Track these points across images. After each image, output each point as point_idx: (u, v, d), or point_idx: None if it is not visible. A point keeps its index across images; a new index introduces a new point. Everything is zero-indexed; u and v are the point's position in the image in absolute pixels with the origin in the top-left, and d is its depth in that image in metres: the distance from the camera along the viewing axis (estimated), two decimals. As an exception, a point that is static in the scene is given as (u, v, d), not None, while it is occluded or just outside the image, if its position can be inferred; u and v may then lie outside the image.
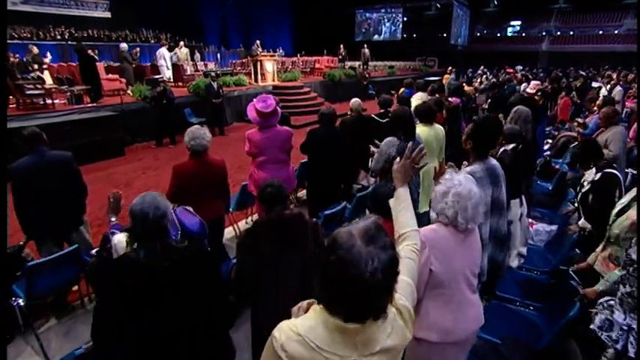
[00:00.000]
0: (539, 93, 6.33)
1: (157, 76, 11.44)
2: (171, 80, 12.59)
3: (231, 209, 4.28)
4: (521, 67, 22.45)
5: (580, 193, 3.06)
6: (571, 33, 34.87)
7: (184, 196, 2.93)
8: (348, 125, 4.72)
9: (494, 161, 2.33)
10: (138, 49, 13.94)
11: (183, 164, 3.01)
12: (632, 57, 29.79)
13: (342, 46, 18.85)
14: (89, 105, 8.66)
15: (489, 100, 7.81)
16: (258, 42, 15.70)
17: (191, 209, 2.19)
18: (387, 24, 34.92)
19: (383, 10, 34.92)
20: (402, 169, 1.63)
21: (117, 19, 22.61)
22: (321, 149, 4.12)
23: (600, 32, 33.99)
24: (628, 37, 32.05)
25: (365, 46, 18.95)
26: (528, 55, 32.61)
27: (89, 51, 9.74)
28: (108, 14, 22.70)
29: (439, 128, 4.02)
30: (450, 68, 12.80)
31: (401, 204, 1.56)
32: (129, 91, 10.10)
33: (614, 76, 13.53)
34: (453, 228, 1.78)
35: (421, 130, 3.69)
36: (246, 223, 4.92)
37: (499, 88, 8.06)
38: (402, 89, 8.97)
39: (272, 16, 30.24)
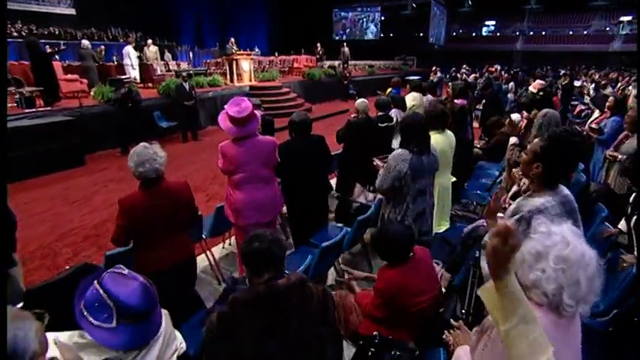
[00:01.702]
0: (542, 93, 5.85)
1: (123, 77, 10.50)
2: (137, 80, 11.65)
3: (204, 236, 3.55)
4: (500, 67, 22.44)
5: (635, 217, 2.53)
6: (543, 33, 35.69)
7: (137, 239, 2.22)
8: (355, 128, 4.06)
9: (566, 190, 1.73)
10: (103, 47, 12.90)
11: (132, 197, 2.25)
12: (600, 56, 30.72)
13: (319, 45, 18.22)
14: (42, 109, 7.68)
15: (484, 101, 7.33)
16: (232, 40, 14.88)
17: (124, 270, 1.42)
18: (365, 23, 34.59)
19: (359, 9, 34.63)
20: (501, 256, 0.92)
21: (82, 16, 21.24)
22: (296, 164, 3.32)
23: (570, 33, 34.90)
24: (596, 37, 33.13)
25: (345, 45, 18.38)
26: (503, 55, 33.06)
27: (47, 47, 8.71)
28: (72, 11, 21.30)
29: (451, 135, 3.43)
30: (434, 68, 12.38)
31: (514, 316, 0.89)
32: (92, 93, 9.15)
33: (596, 75, 13.44)
34: (551, 312, 1.12)
35: (434, 138, 3.09)
36: (223, 247, 4.21)
37: (492, 88, 7.59)
38: (390, 89, 8.42)
39: (247, 15, 29.34)
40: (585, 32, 34.34)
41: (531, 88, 6.43)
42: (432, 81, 7.47)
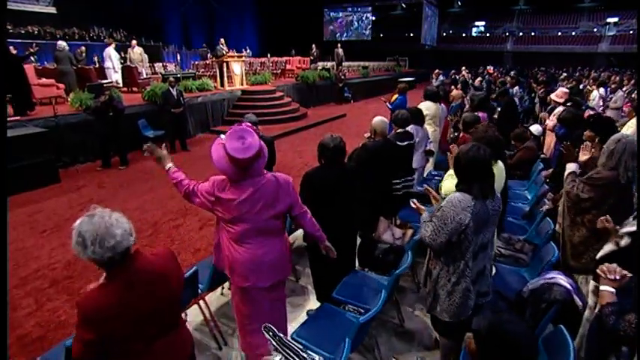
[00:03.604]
0: (570, 103, 5.26)
1: (104, 81, 9.69)
2: (120, 84, 10.85)
3: (200, 290, 2.85)
4: (494, 67, 22.10)
5: None
6: (532, 34, 35.81)
7: (111, 350, 1.48)
8: (372, 153, 3.38)
9: None
10: (83, 48, 11.98)
11: (95, 298, 1.42)
12: (589, 57, 30.77)
13: (314, 46, 17.53)
14: (10, 118, 6.82)
15: (499, 109, 6.74)
16: (222, 40, 14.12)
17: None
18: (356, 23, 34.12)
19: (350, 9, 34.17)
20: None
21: (63, 14, 20.23)
22: (326, 198, 2.77)
23: (559, 34, 35.03)
24: (584, 38, 33.33)
25: (339, 45, 17.76)
26: (494, 55, 33.07)
27: (12, 48, 7.86)
28: (52, 9, 20.30)
29: (502, 167, 2.80)
30: (436, 71, 11.79)
31: None
32: (69, 100, 8.33)
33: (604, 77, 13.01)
34: None
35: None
36: (222, 294, 3.52)
37: (509, 95, 6.98)
38: (395, 95, 7.80)
39: (236, 14, 28.55)
40: (574, 33, 34.54)
41: (555, 97, 5.86)
42: (443, 88, 6.87)
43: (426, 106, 5.42)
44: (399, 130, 3.99)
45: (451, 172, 2.88)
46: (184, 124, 9.13)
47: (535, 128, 5.89)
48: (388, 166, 3.58)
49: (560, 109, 5.87)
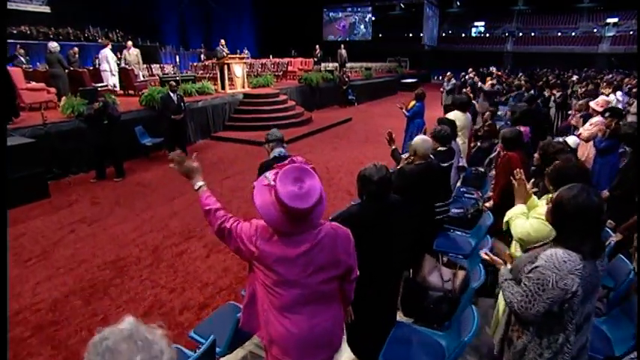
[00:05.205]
0: (608, 114, 4.77)
1: (99, 85, 9.13)
2: (117, 88, 10.26)
3: (217, 353, 2.31)
4: (496, 68, 21.69)
5: None
6: (532, 34, 35.52)
7: None
8: (412, 180, 2.85)
9: None
10: (76, 48, 11.35)
11: None
12: (590, 57, 30.47)
13: (317, 46, 16.99)
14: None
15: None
16: (222, 41, 13.57)
17: None
18: (357, 24, 33.70)
19: (350, 9, 33.73)
20: None
21: (58, 14, 19.64)
22: (368, 243, 2.22)
23: (559, 34, 34.80)
24: (585, 39, 33.11)
25: (342, 46, 17.22)
26: (494, 55, 32.77)
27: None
28: (46, 9, 19.68)
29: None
30: (448, 73, 11.28)
31: None
32: (59, 106, 7.75)
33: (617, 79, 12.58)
34: None
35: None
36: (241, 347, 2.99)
37: (537, 103, 6.48)
38: (413, 102, 7.30)
39: (234, 14, 28.00)
40: (573, 34, 34.31)
41: (594, 106, 5.37)
42: (467, 93, 6.37)
43: (455, 117, 4.93)
44: (440, 148, 3.48)
45: (520, 208, 2.37)
46: (185, 131, 8.58)
47: (572, 140, 5.39)
48: (430, 192, 3.07)
49: (597, 118, 5.41)
